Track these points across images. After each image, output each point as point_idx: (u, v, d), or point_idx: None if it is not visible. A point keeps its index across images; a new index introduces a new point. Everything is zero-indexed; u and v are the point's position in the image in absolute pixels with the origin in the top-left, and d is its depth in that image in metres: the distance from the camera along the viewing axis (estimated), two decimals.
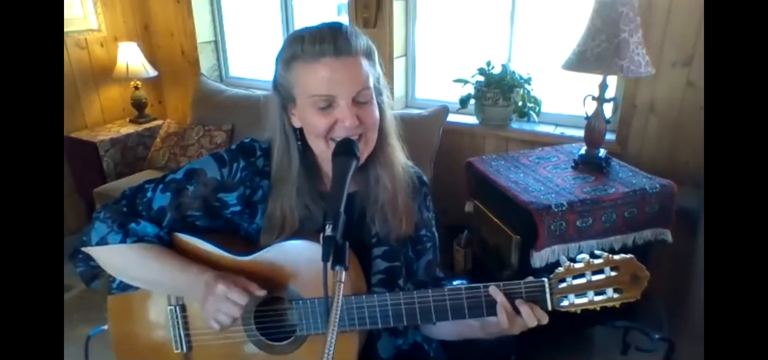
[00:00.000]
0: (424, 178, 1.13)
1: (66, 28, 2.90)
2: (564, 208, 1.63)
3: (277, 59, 0.94)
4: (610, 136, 2.17)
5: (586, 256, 0.87)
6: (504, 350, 1.23)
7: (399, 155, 1.04)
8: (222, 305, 0.91)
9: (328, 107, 0.89)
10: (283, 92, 0.94)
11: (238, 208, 1.01)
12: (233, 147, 1.03)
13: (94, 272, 1.03)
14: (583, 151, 1.95)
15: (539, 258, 1.65)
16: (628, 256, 0.86)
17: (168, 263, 0.97)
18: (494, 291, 0.88)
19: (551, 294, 0.88)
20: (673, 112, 2.06)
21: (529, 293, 0.88)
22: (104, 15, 3.09)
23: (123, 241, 0.96)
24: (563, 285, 0.88)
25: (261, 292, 0.93)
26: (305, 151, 0.98)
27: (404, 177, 1.05)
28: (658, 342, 1.52)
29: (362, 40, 0.91)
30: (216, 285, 0.91)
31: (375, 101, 0.94)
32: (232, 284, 0.91)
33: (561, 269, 0.88)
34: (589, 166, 1.89)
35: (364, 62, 0.91)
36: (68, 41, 2.93)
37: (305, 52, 0.88)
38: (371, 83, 0.92)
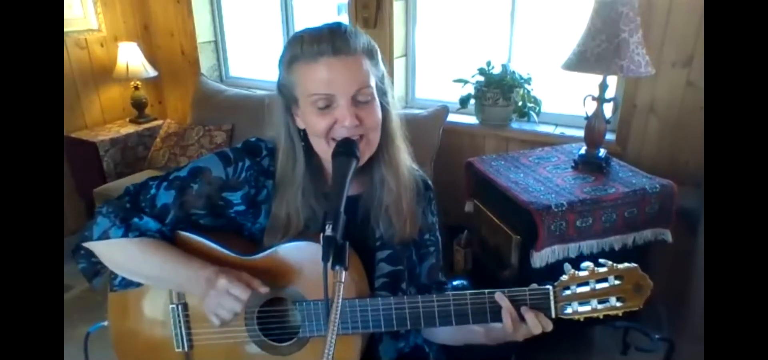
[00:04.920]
0: (429, 182, 1.12)
1: (66, 28, 2.90)
2: (564, 208, 1.63)
3: (279, 62, 0.94)
4: (610, 136, 2.17)
5: (590, 264, 0.87)
6: (504, 351, 1.23)
7: (404, 157, 1.03)
8: (223, 300, 0.90)
9: (327, 107, 0.89)
10: (287, 94, 0.94)
11: (242, 208, 1.01)
12: (239, 145, 1.03)
13: (96, 269, 1.03)
14: (583, 151, 1.95)
15: (539, 258, 1.64)
16: (632, 265, 0.86)
17: (169, 257, 0.96)
18: (499, 297, 0.88)
19: (555, 301, 0.88)
20: (673, 112, 2.06)
21: (533, 300, 0.88)
22: (104, 15, 3.09)
23: (125, 235, 0.95)
24: (567, 293, 0.88)
25: (264, 289, 0.92)
26: (310, 152, 0.98)
27: (409, 179, 1.04)
28: (658, 342, 1.52)
29: (363, 38, 0.91)
30: (218, 279, 0.90)
31: (377, 101, 0.93)
32: (235, 279, 0.90)
33: (565, 277, 0.88)
34: (589, 166, 1.89)
35: (365, 61, 0.90)
36: (68, 41, 2.93)
37: (304, 52, 0.88)
38: (373, 83, 0.91)
